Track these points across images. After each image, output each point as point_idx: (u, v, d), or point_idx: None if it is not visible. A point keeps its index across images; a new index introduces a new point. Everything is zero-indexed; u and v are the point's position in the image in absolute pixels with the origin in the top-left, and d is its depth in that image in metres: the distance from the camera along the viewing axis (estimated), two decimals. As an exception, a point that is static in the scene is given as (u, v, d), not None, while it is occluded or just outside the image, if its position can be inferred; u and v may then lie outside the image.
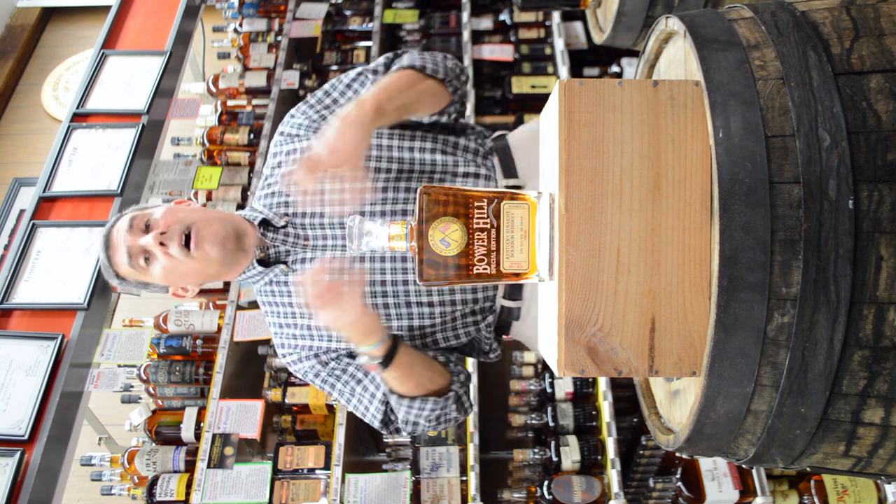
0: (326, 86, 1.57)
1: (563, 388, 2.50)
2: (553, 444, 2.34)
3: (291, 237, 1.50)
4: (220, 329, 2.57)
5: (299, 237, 1.50)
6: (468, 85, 1.61)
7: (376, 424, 1.52)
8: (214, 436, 2.31)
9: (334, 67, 3.53)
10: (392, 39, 3.81)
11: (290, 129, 1.55)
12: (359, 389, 1.51)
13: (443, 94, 1.53)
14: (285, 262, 1.51)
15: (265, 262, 1.51)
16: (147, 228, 1.44)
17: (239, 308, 2.59)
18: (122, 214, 1.51)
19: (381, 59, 1.57)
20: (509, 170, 1.57)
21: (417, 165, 1.50)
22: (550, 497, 2.26)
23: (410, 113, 1.48)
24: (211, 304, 2.90)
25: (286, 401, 2.51)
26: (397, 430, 1.53)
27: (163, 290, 1.53)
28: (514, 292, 1.55)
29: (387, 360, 1.38)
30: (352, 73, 1.57)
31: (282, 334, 1.55)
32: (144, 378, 2.48)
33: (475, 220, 1.04)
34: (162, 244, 1.41)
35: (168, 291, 1.53)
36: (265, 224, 1.51)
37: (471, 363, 2.37)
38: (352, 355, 1.52)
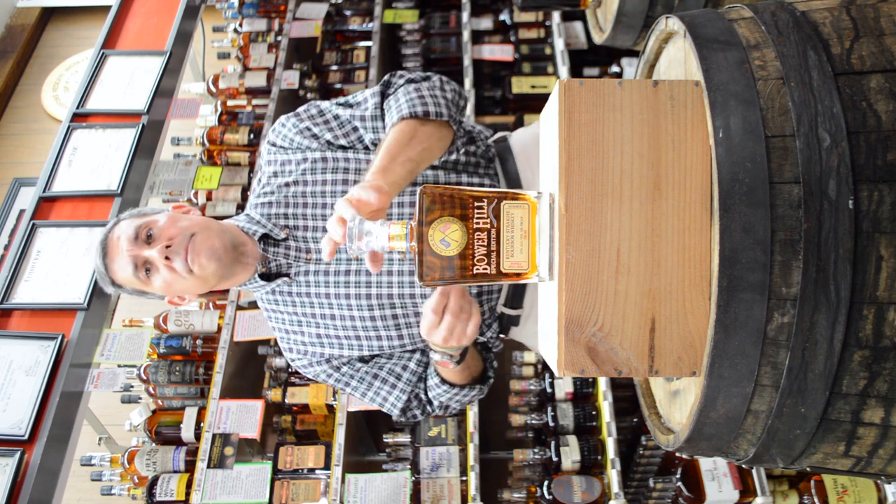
0: (322, 105, 1.52)
1: (563, 388, 2.50)
2: (553, 444, 2.34)
3: (293, 251, 1.47)
4: (220, 329, 2.57)
5: (301, 250, 1.47)
6: (468, 103, 1.55)
7: (395, 413, 1.56)
8: (214, 436, 2.31)
9: (334, 67, 3.54)
10: (392, 39, 3.81)
11: (281, 142, 1.52)
12: (377, 383, 1.54)
13: (447, 135, 1.45)
14: (287, 275, 1.48)
15: (267, 277, 1.50)
16: (149, 238, 1.41)
17: (239, 308, 2.59)
18: (119, 220, 1.47)
19: (377, 89, 1.48)
20: (511, 175, 1.56)
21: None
22: (550, 497, 2.26)
23: (421, 166, 1.37)
24: (211, 304, 2.90)
25: (286, 401, 2.51)
26: (414, 417, 1.58)
27: (159, 297, 1.51)
28: (515, 301, 1.54)
29: (461, 358, 1.40)
30: (348, 112, 1.50)
31: (289, 339, 1.55)
32: (144, 378, 2.49)
33: (475, 220, 1.04)
34: (167, 258, 1.39)
35: (165, 298, 1.51)
36: (265, 238, 1.48)
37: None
38: (363, 359, 1.54)
